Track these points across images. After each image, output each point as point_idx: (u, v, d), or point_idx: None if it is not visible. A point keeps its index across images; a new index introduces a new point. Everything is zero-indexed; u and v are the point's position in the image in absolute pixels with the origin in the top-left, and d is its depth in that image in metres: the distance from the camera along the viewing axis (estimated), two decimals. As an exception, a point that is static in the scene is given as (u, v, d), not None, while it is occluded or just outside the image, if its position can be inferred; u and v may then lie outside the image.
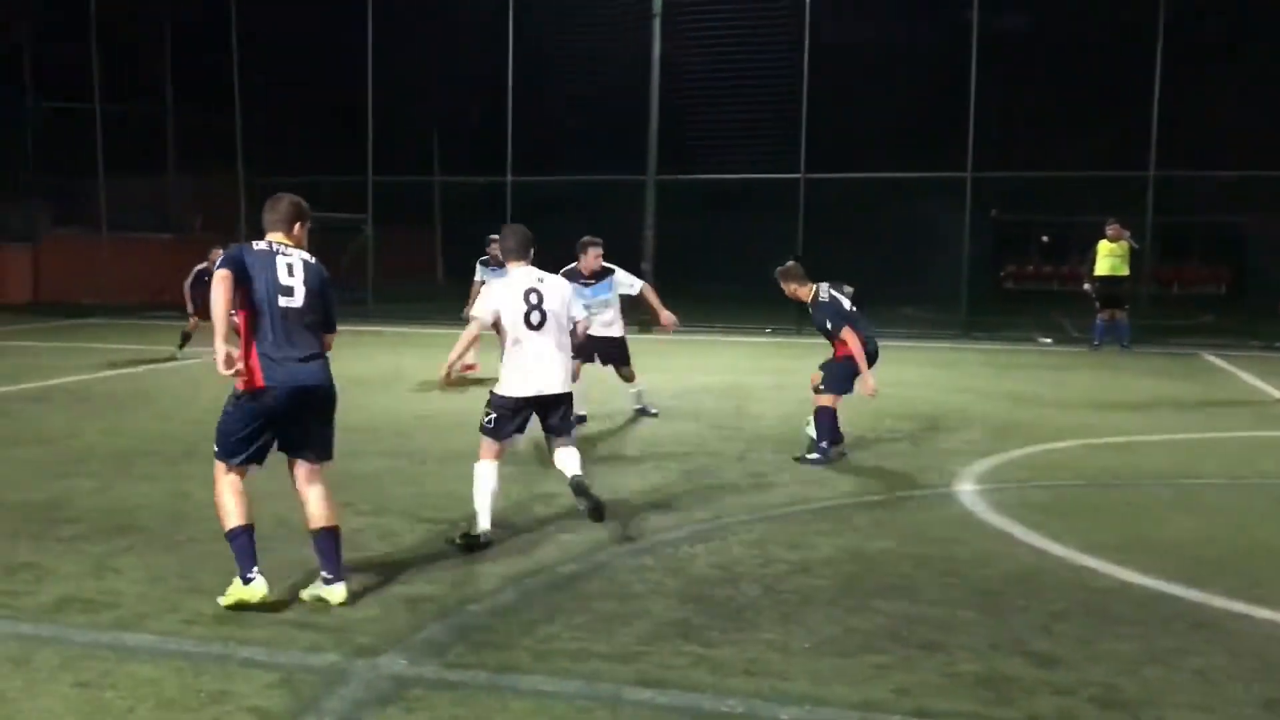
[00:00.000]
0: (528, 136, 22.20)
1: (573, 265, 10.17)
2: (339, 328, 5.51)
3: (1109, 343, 17.73)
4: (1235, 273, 35.40)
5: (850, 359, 8.65)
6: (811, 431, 8.87)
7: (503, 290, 6.45)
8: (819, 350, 9.52)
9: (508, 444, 6.48)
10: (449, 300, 19.66)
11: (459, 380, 11.64)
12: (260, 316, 5.05)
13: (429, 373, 13.01)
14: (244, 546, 5.07)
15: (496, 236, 11.44)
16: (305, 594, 5.23)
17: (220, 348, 4.92)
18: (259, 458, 5.22)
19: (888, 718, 4.06)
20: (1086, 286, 18.02)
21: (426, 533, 6.49)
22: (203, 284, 14.43)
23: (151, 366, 14.67)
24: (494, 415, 6.33)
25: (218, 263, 5.11)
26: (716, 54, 20.56)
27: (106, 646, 4.65)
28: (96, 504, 7.12)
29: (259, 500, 6.55)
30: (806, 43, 20.11)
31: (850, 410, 9.09)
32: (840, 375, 8.72)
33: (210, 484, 5.28)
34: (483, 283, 12.06)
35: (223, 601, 5.05)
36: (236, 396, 5.10)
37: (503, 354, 6.44)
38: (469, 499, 6.29)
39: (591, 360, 10.28)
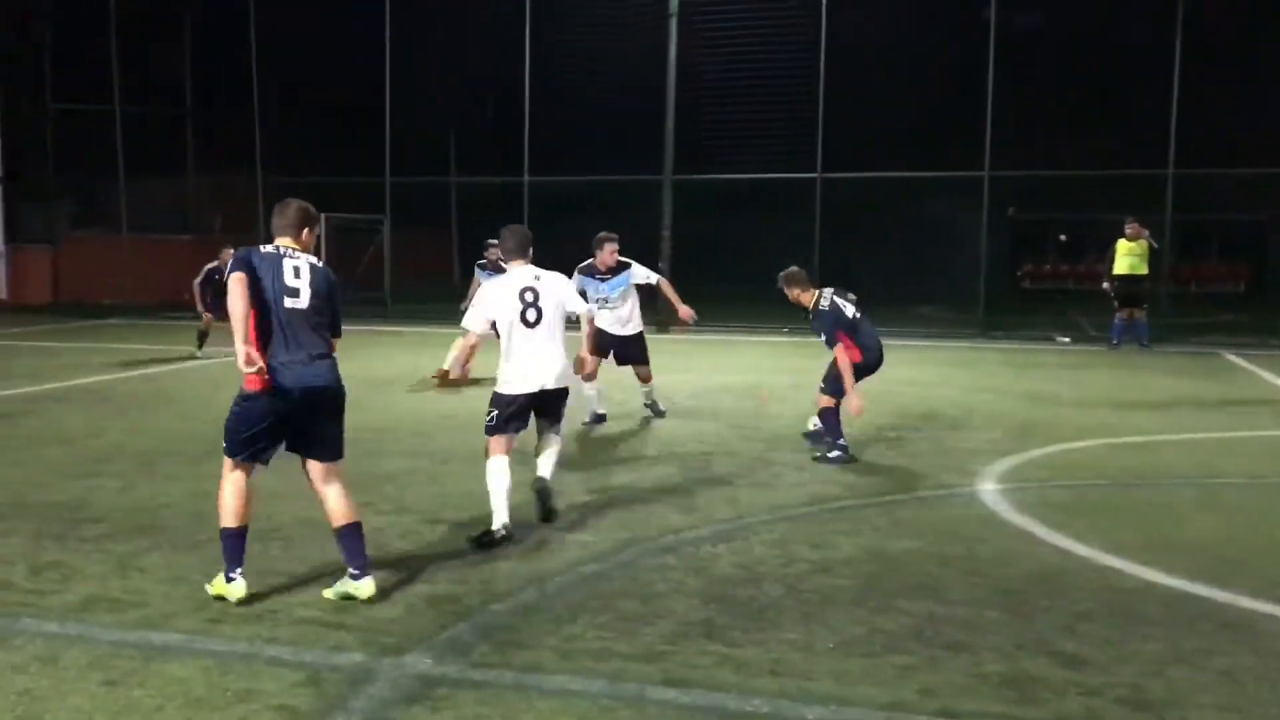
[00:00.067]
0: (544, 137, 22.22)
1: (589, 261, 10.23)
2: (346, 330, 5.58)
3: (1128, 342, 17.66)
4: (1254, 270, 35.22)
5: (850, 363, 8.72)
6: (813, 423, 9.02)
7: (497, 292, 6.58)
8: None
9: (514, 439, 6.58)
10: (466, 300, 19.71)
11: (453, 382, 11.79)
12: (266, 318, 5.13)
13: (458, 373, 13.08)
14: (233, 547, 5.21)
15: (495, 241, 11.50)
16: (330, 593, 5.26)
17: (241, 348, 5.00)
18: (263, 457, 5.29)
19: (914, 718, 4.06)
20: (1105, 286, 17.94)
21: (448, 532, 6.51)
22: (213, 283, 14.55)
23: (172, 366, 14.75)
24: (496, 413, 6.49)
25: (229, 266, 5.18)
26: (732, 54, 20.55)
27: (133, 645, 4.69)
28: (120, 503, 7.17)
29: (279, 500, 6.62)
30: (823, 42, 20.07)
31: (871, 410, 9.07)
32: (840, 377, 8.75)
33: None
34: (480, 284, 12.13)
35: (208, 588, 5.25)
36: (244, 397, 5.16)
37: (501, 353, 6.55)
38: (489, 498, 6.33)
39: (607, 356, 10.30)
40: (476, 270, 12.90)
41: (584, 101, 23.19)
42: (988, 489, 7.77)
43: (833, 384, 8.74)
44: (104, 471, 8.10)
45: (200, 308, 15.12)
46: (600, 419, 10.30)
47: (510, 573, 5.74)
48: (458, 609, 5.16)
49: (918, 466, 8.58)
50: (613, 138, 22.70)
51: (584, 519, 6.84)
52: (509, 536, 6.23)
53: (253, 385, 5.10)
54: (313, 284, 5.24)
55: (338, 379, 5.31)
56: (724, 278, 22.70)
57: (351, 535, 5.29)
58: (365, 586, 5.22)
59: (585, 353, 6.98)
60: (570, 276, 9.90)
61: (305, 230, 5.42)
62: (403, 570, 5.70)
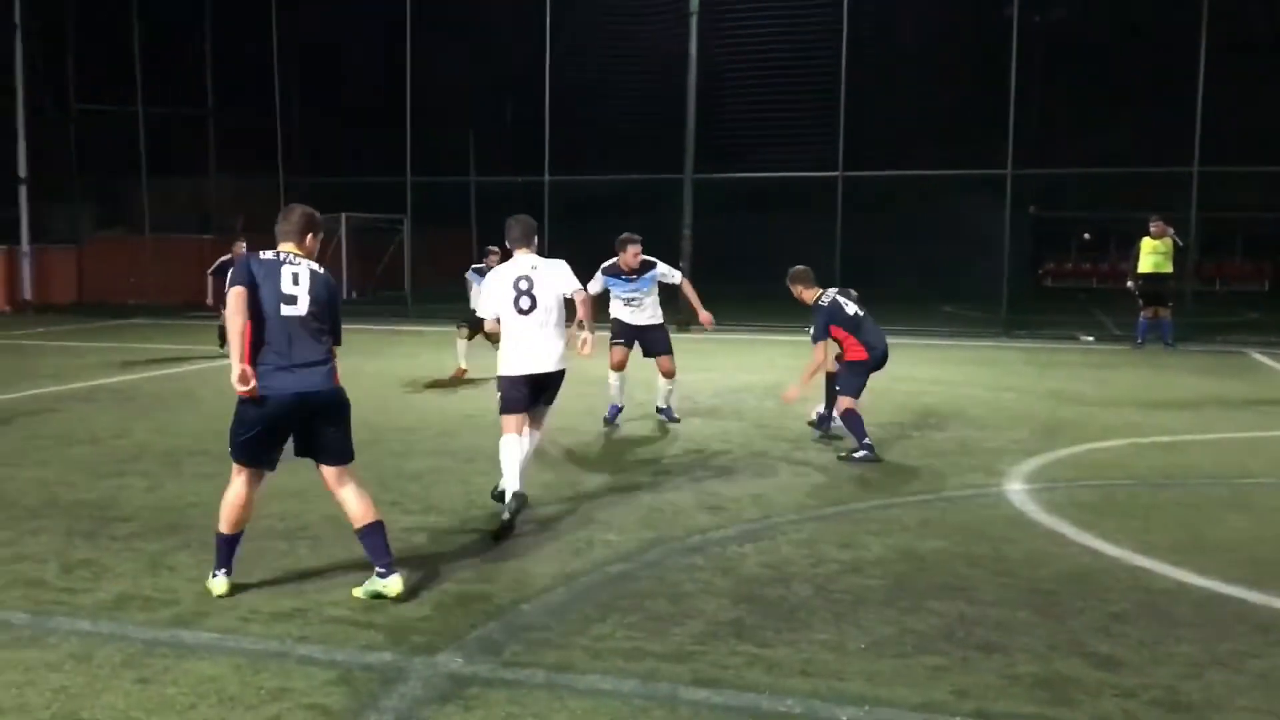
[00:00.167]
0: (564, 136, 22.22)
1: (613, 261, 10.19)
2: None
3: (1153, 341, 17.54)
4: (1278, 269, 34.97)
5: (856, 362, 8.84)
6: (816, 411, 9.36)
7: (494, 284, 6.95)
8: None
9: (525, 417, 6.83)
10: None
11: (453, 379, 11.99)
12: (263, 324, 5.16)
13: (473, 371, 13.14)
14: (223, 550, 5.36)
15: (495, 249, 11.60)
16: (359, 592, 5.27)
17: (236, 366, 5.05)
18: (265, 462, 5.33)
19: (948, 719, 4.04)
20: (1130, 284, 17.84)
21: (475, 531, 6.51)
22: (224, 274, 14.60)
23: (195, 366, 14.81)
24: (501, 395, 6.85)
25: (229, 279, 5.22)
26: (753, 52, 20.50)
27: (166, 644, 4.70)
28: (148, 502, 7.20)
29: (305, 499, 6.64)
30: (844, 40, 20.00)
31: (895, 409, 9.08)
32: (851, 376, 8.85)
33: None
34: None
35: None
36: (241, 401, 5.20)
37: (502, 337, 6.91)
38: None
39: (632, 346, 10.28)
40: (474, 274, 12.96)
41: (604, 101, 23.18)
42: (1015, 489, 7.73)
43: (847, 384, 8.78)
44: (131, 470, 8.14)
45: (209, 299, 15.14)
46: (617, 411, 10.28)
47: (538, 572, 5.74)
48: (487, 608, 5.17)
49: (944, 466, 8.54)
50: (633, 137, 22.70)
51: (610, 519, 6.83)
52: (524, 499, 6.58)
53: (244, 392, 5.15)
54: (312, 290, 5.26)
55: (334, 384, 5.31)
56: (745, 277, 22.64)
57: (373, 534, 5.32)
58: (393, 584, 5.24)
59: (578, 328, 7.07)
60: (593, 277, 9.95)
61: (309, 236, 5.46)
62: (432, 569, 5.71)
